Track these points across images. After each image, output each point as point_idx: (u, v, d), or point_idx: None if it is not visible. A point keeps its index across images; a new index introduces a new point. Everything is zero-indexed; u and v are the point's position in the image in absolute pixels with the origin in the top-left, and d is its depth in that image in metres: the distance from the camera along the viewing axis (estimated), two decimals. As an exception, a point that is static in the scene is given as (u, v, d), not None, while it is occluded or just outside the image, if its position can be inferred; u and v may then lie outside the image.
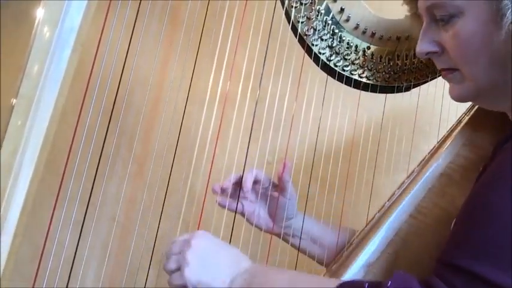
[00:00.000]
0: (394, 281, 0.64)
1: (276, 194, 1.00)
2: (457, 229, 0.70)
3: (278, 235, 1.03)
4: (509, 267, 0.60)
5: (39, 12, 0.73)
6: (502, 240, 0.62)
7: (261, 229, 1.02)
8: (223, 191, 0.98)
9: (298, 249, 1.02)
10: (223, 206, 0.98)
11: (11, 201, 0.67)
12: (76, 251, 0.75)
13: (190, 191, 1.14)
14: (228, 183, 0.98)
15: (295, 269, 0.95)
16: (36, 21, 0.73)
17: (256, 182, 0.99)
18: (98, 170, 0.77)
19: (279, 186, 1.00)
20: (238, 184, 0.97)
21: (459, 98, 0.83)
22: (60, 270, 0.73)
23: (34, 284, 0.67)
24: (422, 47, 0.81)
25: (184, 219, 1.08)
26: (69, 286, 0.72)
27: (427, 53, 0.82)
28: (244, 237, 1.05)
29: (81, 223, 0.75)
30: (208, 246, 0.80)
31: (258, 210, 1.01)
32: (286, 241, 1.04)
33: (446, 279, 0.63)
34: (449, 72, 0.81)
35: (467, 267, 0.62)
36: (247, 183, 0.96)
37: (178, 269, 0.78)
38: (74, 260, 0.74)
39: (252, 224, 1.01)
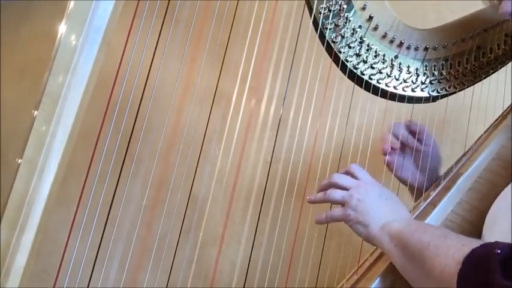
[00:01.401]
0: None
1: (419, 146, 1.04)
2: None
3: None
4: None
5: (62, 28, 0.73)
6: None
7: (406, 183, 1.06)
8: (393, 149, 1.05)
9: None
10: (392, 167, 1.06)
11: (34, 199, 0.66)
12: (98, 251, 0.74)
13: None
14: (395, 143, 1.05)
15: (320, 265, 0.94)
16: (61, 28, 0.73)
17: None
18: (122, 171, 0.76)
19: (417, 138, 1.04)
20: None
21: None
22: (81, 270, 0.72)
23: (55, 284, 0.66)
24: (508, 7, 0.84)
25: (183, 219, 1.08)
26: (90, 286, 0.71)
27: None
28: (247, 238, 1.04)
29: (103, 225, 0.74)
30: (376, 192, 0.88)
31: (403, 162, 1.06)
32: None
33: None
34: None
35: None
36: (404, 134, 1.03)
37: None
38: (95, 260, 0.73)
39: (398, 177, 1.06)
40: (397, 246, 0.79)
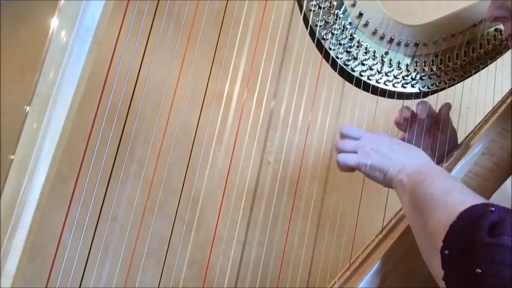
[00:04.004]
0: None
1: (437, 132, 1.04)
2: None
3: None
4: None
5: (54, 22, 0.73)
6: None
7: None
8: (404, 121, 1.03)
9: None
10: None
11: (26, 200, 0.66)
12: (89, 252, 0.74)
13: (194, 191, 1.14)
14: (407, 114, 1.02)
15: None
16: (51, 29, 0.73)
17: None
18: (112, 171, 0.76)
19: (438, 124, 1.04)
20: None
21: None
22: (72, 271, 0.72)
23: (47, 284, 0.67)
24: (492, 11, 0.86)
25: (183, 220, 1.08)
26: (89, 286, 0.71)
27: (496, 18, 0.87)
28: (246, 238, 1.05)
29: (95, 225, 0.74)
30: (388, 140, 0.89)
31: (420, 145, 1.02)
32: None
33: None
34: None
35: None
36: (423, 115, 1.01)
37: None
38: (87, 261, 0.74)
39: None
40: (407, 192, 0.78)
